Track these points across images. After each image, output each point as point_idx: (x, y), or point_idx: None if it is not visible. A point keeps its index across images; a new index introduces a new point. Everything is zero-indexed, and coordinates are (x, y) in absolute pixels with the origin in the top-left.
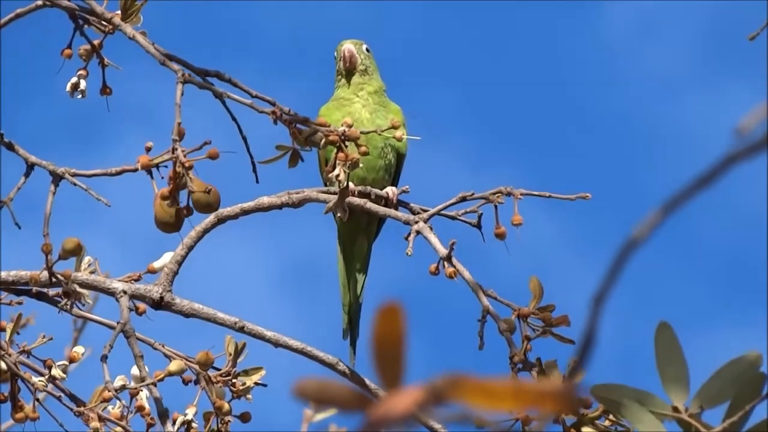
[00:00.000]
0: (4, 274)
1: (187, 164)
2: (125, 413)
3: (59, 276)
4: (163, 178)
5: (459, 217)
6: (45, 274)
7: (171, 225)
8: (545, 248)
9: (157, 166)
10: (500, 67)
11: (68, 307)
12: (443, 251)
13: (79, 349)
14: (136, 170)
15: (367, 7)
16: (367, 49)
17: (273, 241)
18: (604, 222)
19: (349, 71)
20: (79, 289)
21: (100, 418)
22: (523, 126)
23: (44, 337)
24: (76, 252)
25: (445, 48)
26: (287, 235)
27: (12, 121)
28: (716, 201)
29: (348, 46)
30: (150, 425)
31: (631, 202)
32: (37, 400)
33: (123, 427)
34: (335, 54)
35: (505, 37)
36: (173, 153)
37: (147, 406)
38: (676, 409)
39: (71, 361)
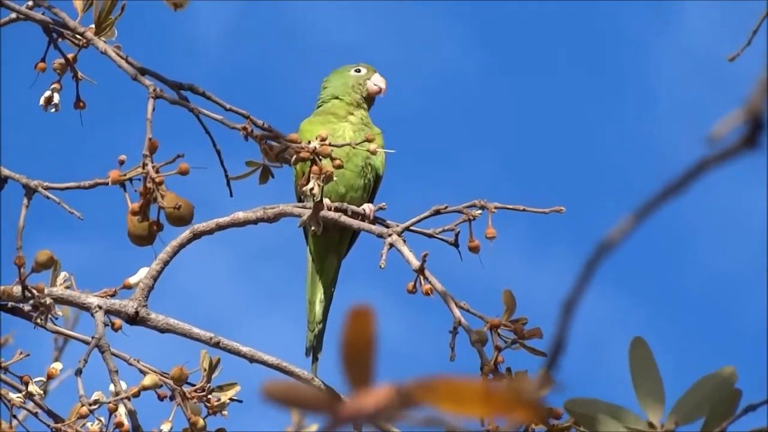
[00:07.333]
0: None
1: (157, 180)
2: (104, 430)
3: (32, 289)
4: (136, 190)
5: (436, 235)
6: (18, 288)
7: (144, 239)
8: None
9: (130, 180)
10: (541, 146)
11: (42, 321)
12: (416, 263)
13: (57, 365)
14: (108, 184)
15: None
16: None
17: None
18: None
19: (371, 99)
20: (49, 302)
21: None
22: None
23: (21, 353)
24: (49, 265)
25: (487, 119)
26: (263, 248)
27: None
28: None
29: (382, 79)
30: None
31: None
32: (14, 416)
33: None
34: (354, 71)
35: (548, 113)
36: (144, 168)
37: (126, 422)
38: (651, 425)
39: (49, 377)
